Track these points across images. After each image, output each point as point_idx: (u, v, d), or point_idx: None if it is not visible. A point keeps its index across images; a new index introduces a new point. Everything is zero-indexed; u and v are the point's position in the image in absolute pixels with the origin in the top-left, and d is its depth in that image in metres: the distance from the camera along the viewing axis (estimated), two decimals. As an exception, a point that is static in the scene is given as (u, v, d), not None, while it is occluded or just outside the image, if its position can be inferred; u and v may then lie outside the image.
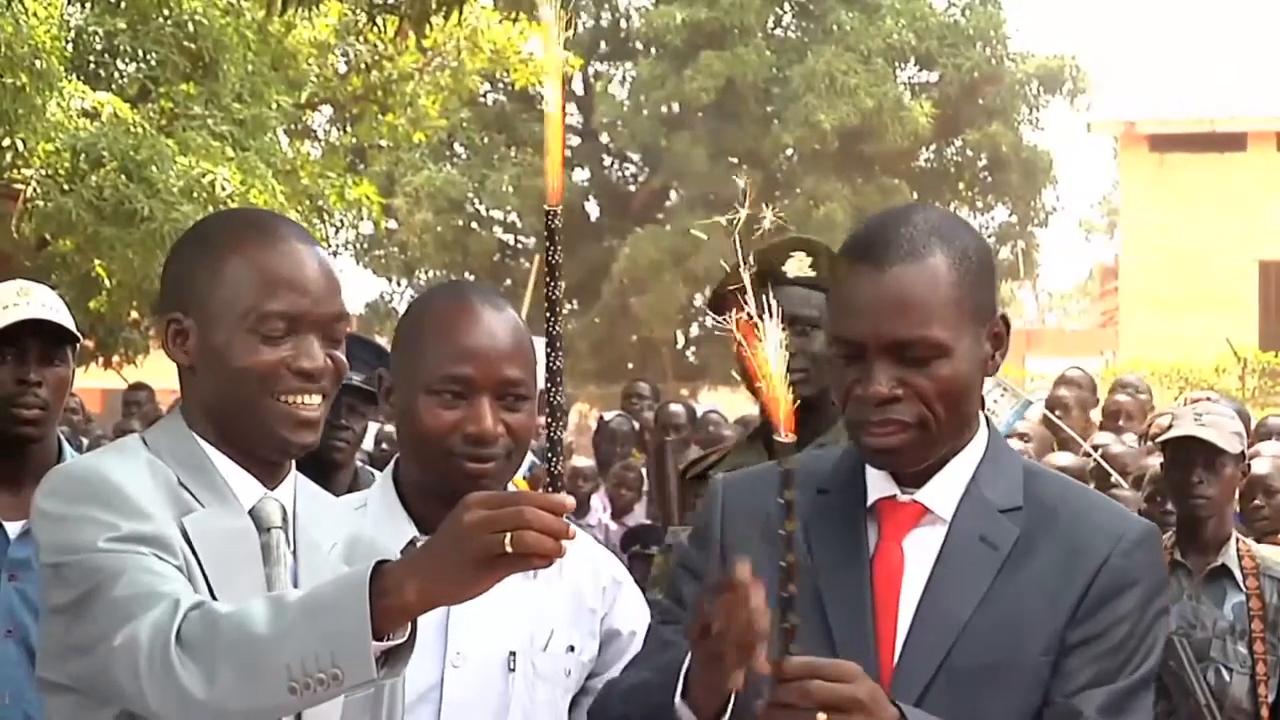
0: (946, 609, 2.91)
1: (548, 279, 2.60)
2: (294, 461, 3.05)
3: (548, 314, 2.60)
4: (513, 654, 3.33)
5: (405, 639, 2.56)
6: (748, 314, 2.75)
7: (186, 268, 2.97)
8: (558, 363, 2.60)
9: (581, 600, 3.46)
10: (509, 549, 2.46)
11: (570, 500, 2.53)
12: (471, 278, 36.36)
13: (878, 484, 3.01)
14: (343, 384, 3.05)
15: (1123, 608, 2.92)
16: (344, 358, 2.96)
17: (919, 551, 2.97)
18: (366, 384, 5.73)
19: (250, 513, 2.92)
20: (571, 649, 3.42)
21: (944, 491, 2.99)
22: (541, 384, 2.69)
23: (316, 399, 2.91)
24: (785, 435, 2.67)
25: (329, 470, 5.49)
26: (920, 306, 2.89)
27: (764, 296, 4.41)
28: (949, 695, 2.85)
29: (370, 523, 3.34)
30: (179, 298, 2.95)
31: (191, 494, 2.88)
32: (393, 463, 3.51)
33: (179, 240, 3.09)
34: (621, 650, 3.45)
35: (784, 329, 4.38)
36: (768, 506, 2.91)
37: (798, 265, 4.43)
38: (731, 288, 4.58)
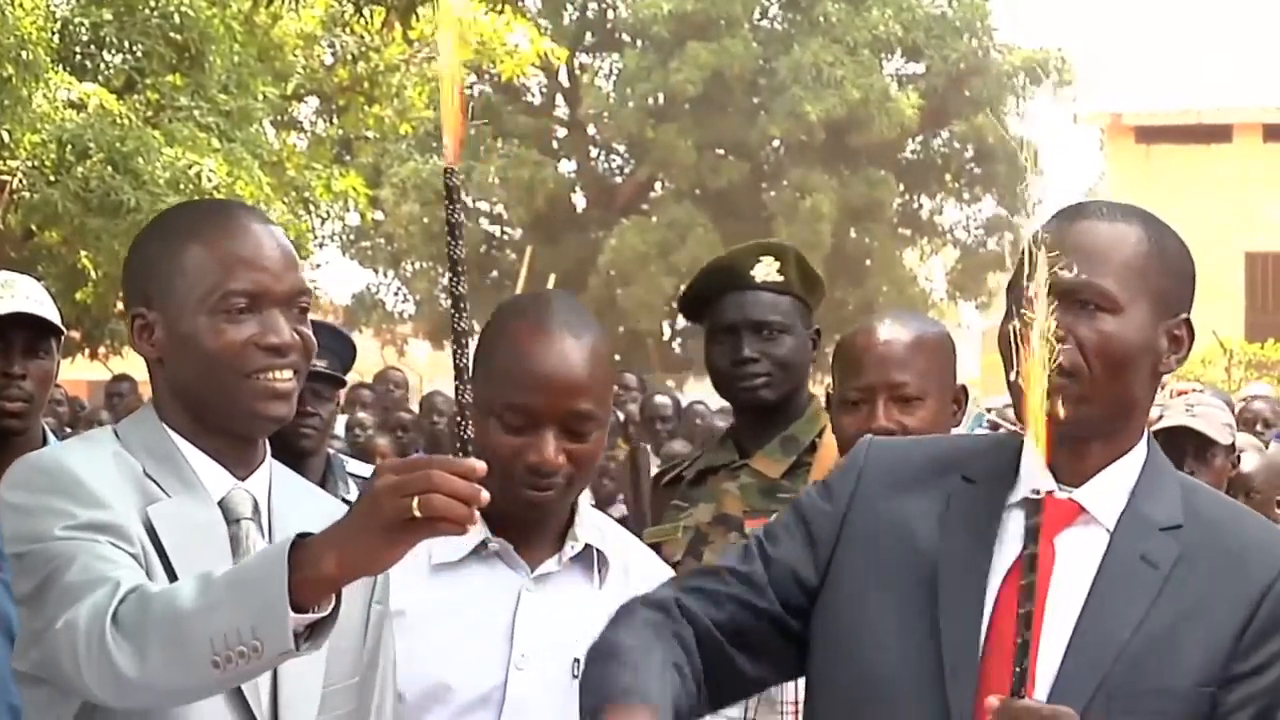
0: (1107, 629, 2.81)
1: (449, 239, 2.56)
2: (270, 452, 3.06)
3: (450, 275, 2.57)
4: (576, 660, 3.23)
5: (329, 612, 2.56)
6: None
7: (146, 262, 3.00)
8: (463, 324, 2.57)
9: None
10: (417, 514, 2.45)
11: (481, 465, 2.50)
12: (458, 269, 36.48)
13: (1035, 475, 2.81)
14: (308, 371, 3.05)
15: None
16: (311, 333, 2.97)
17: (1071, 553, 2.87)
18: (331, 370, 5.78)
19: (220, 503, 2.92)
20: None
21: (1103, 496, 2.90)
22: (449, 346, 2.63)
23: (288, 373, 2.94)
24: (1043, 477, 2.60)
25: (300, 458, 5.49)
26: (1097, 254, 2.84)
27: (726, 300, 4.43)
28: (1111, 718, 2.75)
29: None
30: (142, 292, 2.98)
31: (158, 484, 2.89)
32: None
33: (137, 236, 3.10)
34: None
35: (751, 332, 4.41)
36: (910, 481, 2.93)
37: (765, 269, 4.40)
38: (701, 292, 4.60)
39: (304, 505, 3.01)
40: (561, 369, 3.27)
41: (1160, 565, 2.81)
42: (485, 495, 2.50)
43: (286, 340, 2.92)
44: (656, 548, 4.15)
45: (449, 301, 2.60)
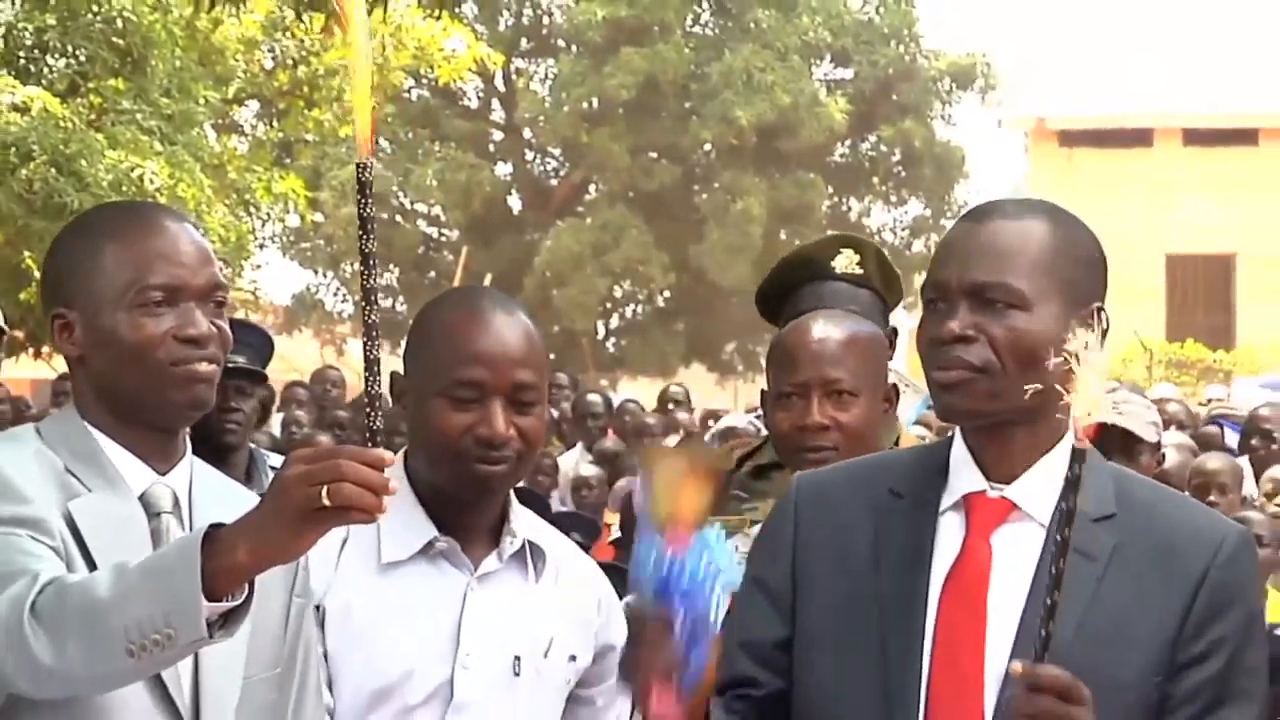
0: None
1: (360, 233, 2.61)
2: (190, 448, 3.07)
3: (362, 269, 2.62)
4: (518, 658, 3.31)
5: (242, 601, 2.56)
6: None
7: (66, 262, 3.02)
8: (373, 317, 2.61)
9: (579, 612, 3.42)
10: (326, 502, 2.46)
11: (389, 455, 2.52)
12: (396, 270, 36.43)
13: (963, 477, 2.90)
14: (228, 366, 3.08)
15: (1225, 628, 2.80)
16: (228, 326, 2.99)
17: (1008, 550, 2.86)
18: (250, 364, 5.85)
19: (141, 498, 2.93)
20: (573, 658, 3.39)
21: (1035, 490, 2.88)
22: (362, 338, 2.65)
23: (206, 364, 2.94)
24: (1080, 442, 2.58)
25: (223, 453, 5.52)
26: (1005, 254, 2.84)
27: (804, 290, 4.31)
28: None
29: (383, 519, 3.36)
30: (61, 293, 3.00)
31: (79, 479, 2.90)
32: (400, 457, 3.41)
33: (55, 239, 3.11)
34: (612, 666, 3.43)
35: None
36: (841, 509, 2.91)
37: (846, 261, 4.39)
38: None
39: (224, 499, 2.99)
40: (503, 343, 3.31)
41: (1097, 557, 2.80)
42: (395, 484, 2.52)
43: (204, 332, 2.94)
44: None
45: (360, 294, 2.63)
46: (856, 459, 3.35)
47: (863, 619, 2.85)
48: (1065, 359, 2.53)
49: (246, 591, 2.57)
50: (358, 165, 2.64)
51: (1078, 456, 2.57)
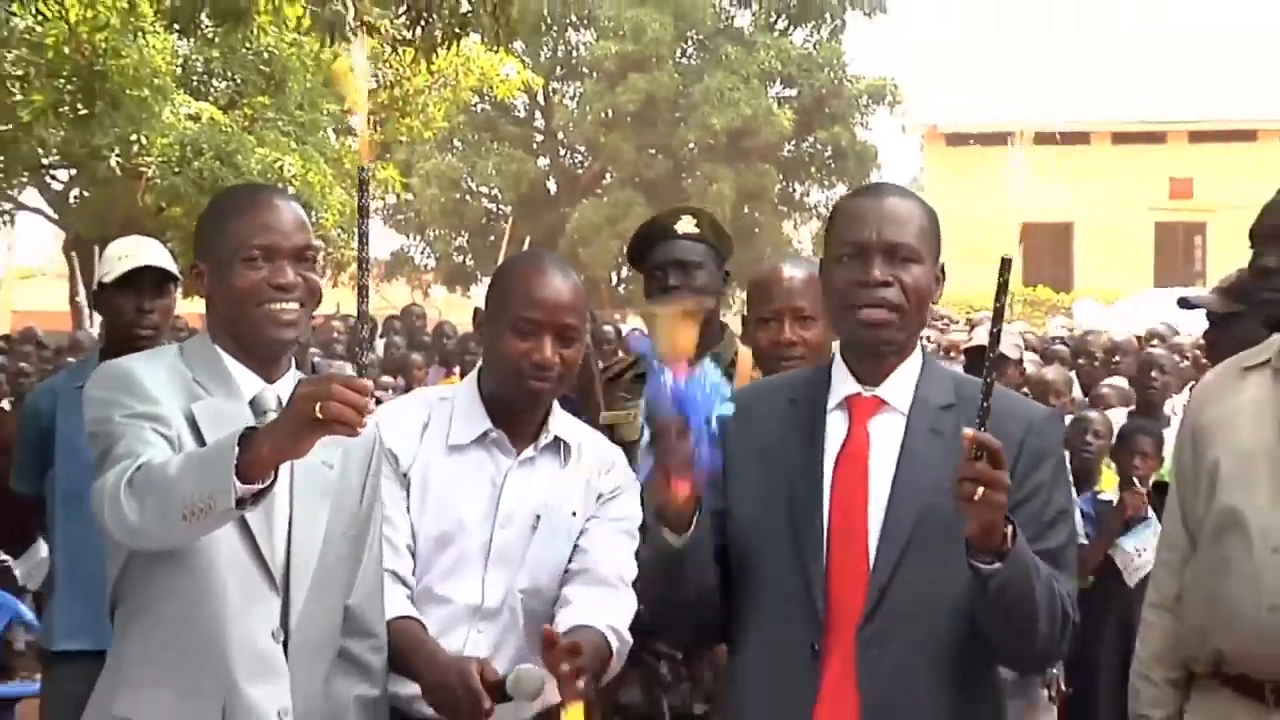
0: (914, 488, 2.75)
1: (360, 218, 2.55)
2: (295, 364, 3.04)
3: (359, 247, 2.56)
4: (538, 517, 3.29)
5: (269, 484, 2.54)
6: None
7: (203, 230, 2.99)
8: (366, 281, 2.56)
9: (590, 483, 3.38)
10: (319, 415, 2.43)
11: (368, 384, 2.47)
12: (465, 234, 36.34)
13: (843, 384, 2.86)
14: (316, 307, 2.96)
15: (1041, 476, 2.79)
16: (316, 279, 2.95)
17: (880, 434, 2.82)
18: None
19: (251, 401, 2.90)
20: (574, 514, 3.35)
21: (898, 389, 2.84)
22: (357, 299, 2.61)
23: (291, 306, 2.89)
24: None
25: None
26: (910, 222, 2.81)
27: (657, 248, 4.22)
28: (923, 550, 2.69)
29: (454, 413, 3.30)
30: (199, 250, 2.97)
31: (202, 386, 2.86)
32: (475, 371, 3.41)
33: (200, 214, 3.09)
34: (610, 500, 3.39)
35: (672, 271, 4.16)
36: (755, 416, 2.84)
37: (685, 225, 4.27)
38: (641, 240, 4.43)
39: None
40: (557, 293, 3.26)
41: (945, 434, 2.76)
42: (371, 404, 2.48)
43: (290, 280, 2.89)
44: (611, 427, 4.09)
45: (357, 264, 2.57)
46: (762, 379, 3.34)
47: (777, 488, 2.82)
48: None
49: (272, 477, 2.54)
50: (360, 169, 2.59)
51: (993, 362, 2.59)
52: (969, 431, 2.52)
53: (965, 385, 2.89)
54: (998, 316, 2.56)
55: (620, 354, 11.90)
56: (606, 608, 3.22)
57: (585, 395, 4.44)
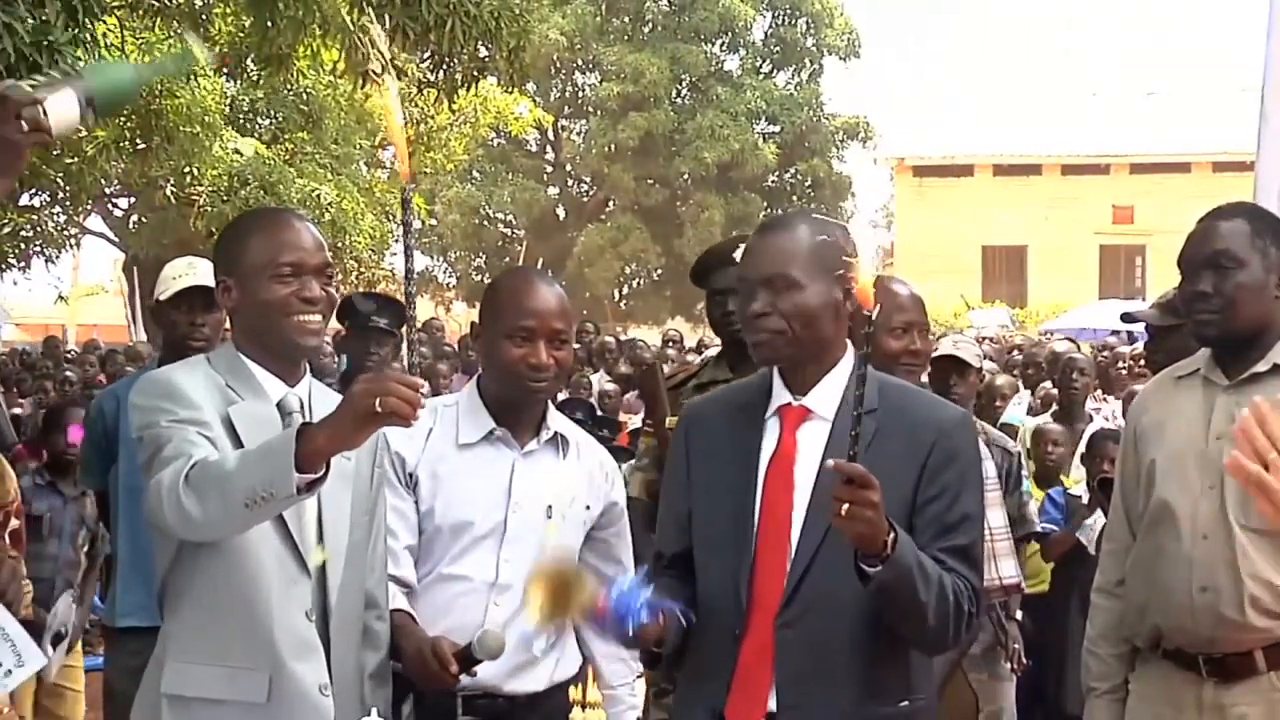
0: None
1: (404, 232, 2.56)
2: (310, 369, 3.02)
3: (405, 257, 2.56)
4: (550, 507, 3.27)
5: (322, 474, 2.52)
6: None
7: (228, 248, 2.94)
8: (412, 289, 2.56)
9: (593, 479, 3.38)
10: (378, 409, 2.43)
11: (422, 382, 2.48)
12: (483, 256, 36.36)
13: (780, 394, 2.80)
14: (375, 326, 2.91)
15: (948, 478, 2.70)
16: (335, 293, 2.93)
17: (806, 441, 2.76)
18: (390, 327, 5.37)
19: (278, 404, 2.88)
20: (588, 508, 3.35)
21: (823, 398, 2.77)
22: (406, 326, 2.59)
23: (316, 317, 2.87)
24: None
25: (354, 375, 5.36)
26: (784, 254, 2.73)
27: (717, 273, 4.20)
28: (836, 547, 2.59)
29: (460, 415, 3.29)
30: (224, 267, 2.92)
31: (235, 391, 2.84)
32: (475, 377, 3.40)
33: (221, 233, 3.04)
34: (615, 516, 3.42)
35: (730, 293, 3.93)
36: (709, 423, 2.83)
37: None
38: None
39: (329, 404, 2.89)
40: (546, 302, 3.25)
41: (865, 437, 2.60)
42: (424, 400, 2.48)
43: (316, 294, 2.86)
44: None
45: (404, 275, 2.58)
46: (723, 387, 3.25)
47: (719, 492, 2.79)
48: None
49: (325, 469, 2.53)
50: (402, 188, 2.58)
51: (860, 396, 2.49)
52: (830, 463, 2.48)
53: (891, 390, 2.80)
54: (863, 342, 2.47)
55: (628, 363, 11.92)
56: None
57: (653, 401, 4.41)
